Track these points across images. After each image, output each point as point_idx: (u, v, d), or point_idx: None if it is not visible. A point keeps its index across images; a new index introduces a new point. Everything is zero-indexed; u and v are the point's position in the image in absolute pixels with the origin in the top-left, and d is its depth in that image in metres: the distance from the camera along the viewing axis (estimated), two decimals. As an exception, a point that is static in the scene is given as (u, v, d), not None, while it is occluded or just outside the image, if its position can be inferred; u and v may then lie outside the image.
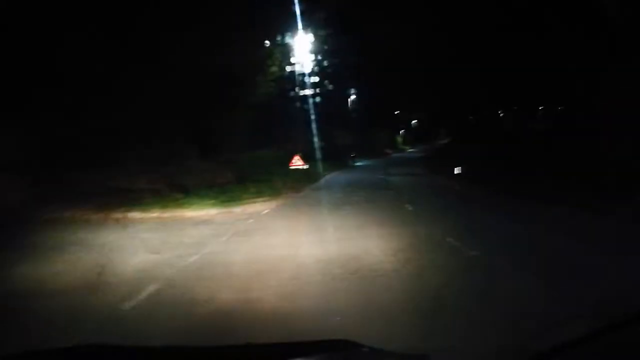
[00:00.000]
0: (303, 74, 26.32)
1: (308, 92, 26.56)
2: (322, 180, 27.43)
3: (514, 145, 30.53)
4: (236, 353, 2.32)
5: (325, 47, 27.46)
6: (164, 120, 18.69)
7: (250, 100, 21.93)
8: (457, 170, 27.47)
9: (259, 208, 15.25)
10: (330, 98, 35.66)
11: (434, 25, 33.09)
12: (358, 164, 45.98)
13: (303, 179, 23.64)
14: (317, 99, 28.62)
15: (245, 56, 20.78)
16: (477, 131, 41.68)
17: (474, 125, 45.35)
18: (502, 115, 42.03)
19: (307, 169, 24.56)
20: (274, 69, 22.77)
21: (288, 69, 25.05)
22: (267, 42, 22.81)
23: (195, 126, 20.59)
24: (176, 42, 18.58)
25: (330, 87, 29.27)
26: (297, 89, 26.38)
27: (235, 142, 23.54)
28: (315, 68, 27.10)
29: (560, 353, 1.66)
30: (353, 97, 52.85)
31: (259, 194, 17.60)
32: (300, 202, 17.32)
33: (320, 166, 29.09)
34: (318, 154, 29.36)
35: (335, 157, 33.48)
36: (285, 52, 24.24)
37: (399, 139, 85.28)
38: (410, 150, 78.20)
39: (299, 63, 25.41)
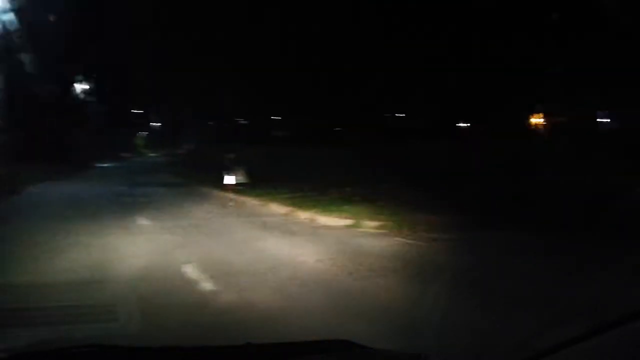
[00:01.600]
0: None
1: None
2: (18, 201, 16.90)
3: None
4: (236, 353, 2.33)
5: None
6: None
7: None
8: (228, 180, 22.01)
9: None
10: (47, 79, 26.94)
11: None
12: (98, 165, 38.09)
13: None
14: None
15: None
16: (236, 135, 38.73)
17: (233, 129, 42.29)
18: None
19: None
20: None
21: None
22: None
23: None
24: None
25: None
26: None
27: None
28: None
29: (560, 352, 1.58)
30: (84, 85, 42.73)
31: None
32: None
33: (23, 172, 19.54)
34: (23, 153, 20.26)
35: (62, 158, 24.56)
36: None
37: (140, 142, 77.79)
38: (152, 154, 72.18)
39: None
